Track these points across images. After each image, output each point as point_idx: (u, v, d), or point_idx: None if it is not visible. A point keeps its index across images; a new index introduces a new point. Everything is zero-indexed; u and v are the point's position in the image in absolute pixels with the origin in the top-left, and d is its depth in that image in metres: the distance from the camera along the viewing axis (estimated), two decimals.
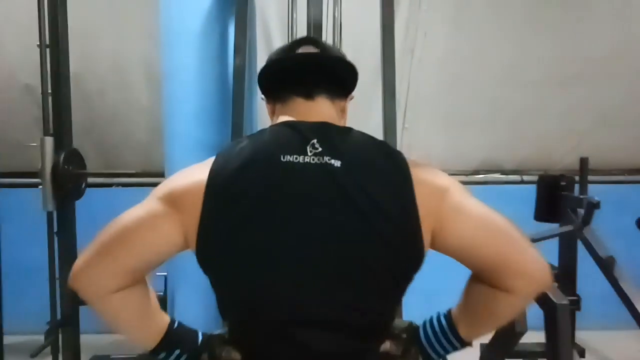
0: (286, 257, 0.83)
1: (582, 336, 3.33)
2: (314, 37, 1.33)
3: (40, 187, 2.19)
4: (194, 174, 0.87)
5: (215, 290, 0.90)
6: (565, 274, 2.42)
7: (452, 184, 0.89)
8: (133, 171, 2.35)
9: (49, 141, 2.16)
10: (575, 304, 2.41)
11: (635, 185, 3.89)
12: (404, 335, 0.94)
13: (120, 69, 3.55)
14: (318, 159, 0.84)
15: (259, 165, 0.85)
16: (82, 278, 0.84)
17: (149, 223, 0.85)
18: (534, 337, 1.96)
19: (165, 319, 0.96)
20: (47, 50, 2.17)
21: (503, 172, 4.01)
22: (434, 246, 0.87)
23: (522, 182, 3.87)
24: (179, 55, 2.33)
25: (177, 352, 0.94)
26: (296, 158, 0.85)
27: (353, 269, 0.84)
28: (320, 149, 0.85)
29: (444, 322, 0.95)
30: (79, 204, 2.43)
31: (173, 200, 0.85)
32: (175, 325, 0.96)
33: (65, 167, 2.18)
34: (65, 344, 2.31)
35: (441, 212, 0.85)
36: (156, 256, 0.87)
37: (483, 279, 0.87)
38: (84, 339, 2.48)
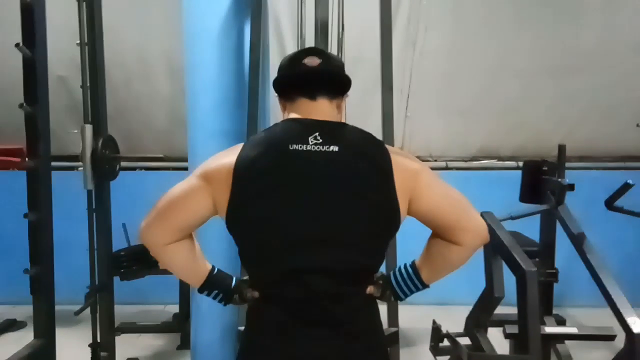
0: (292, 222, 1.11)
1: (570, 312, 3.61)
2: (317, 48, 1.61)
3: (79, 169, 2.49)
4: (223, 159, 1.16)
5: (238, 246, 1.19)
6: (545, 250, 2.70)
7: (423, 168, 1.18)
8: (160, 155, 2.63)
9: (89, 128, 2.46)
10: (553, 276, 2.68)
11: (626, 171, 4.07)
12: (381, 282, 1.25)
13: (144, 62, 3.82)
14: (318, 147, 1.12)
15: (272, 152, 1.13)
16: (146, 234, 1.16)
17: (189, 194, 1.15)
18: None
19: (208, 266, 1.26)
20: (86, 47, 2.46)
21: (500, 159, 4.22)
22: (410, 212, 1.16)
23: (517, 167, 4.04)
24: (201, 51, 2.56)
25: (216, 291, 1.26)
26: (300, 147, 1.12)
27: (345, 230, 1.12)
28: (320, 140, 1.13)
29: (410, 270, 1.25)
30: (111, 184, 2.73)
31: (206, 177, 1.15)
32: (215, 271, 1.27)
33: (103, 151, 2.48)
34: (101, 308, 2.63)
35: (416, 188, 1.15)
36: (195, 218, 1.16)
37: (441, 236, 1.18)
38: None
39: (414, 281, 1.25)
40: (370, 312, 1.22)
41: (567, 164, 2.62)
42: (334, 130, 1.16)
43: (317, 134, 1.13)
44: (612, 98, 3.91)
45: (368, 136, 1.19)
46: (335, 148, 1.12)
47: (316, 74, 1.20)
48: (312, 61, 1.19)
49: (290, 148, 1.12)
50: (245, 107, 2.50)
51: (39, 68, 1.96)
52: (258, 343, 1.17)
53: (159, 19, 3.63)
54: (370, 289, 1.22)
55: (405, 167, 1.15)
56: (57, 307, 2.03)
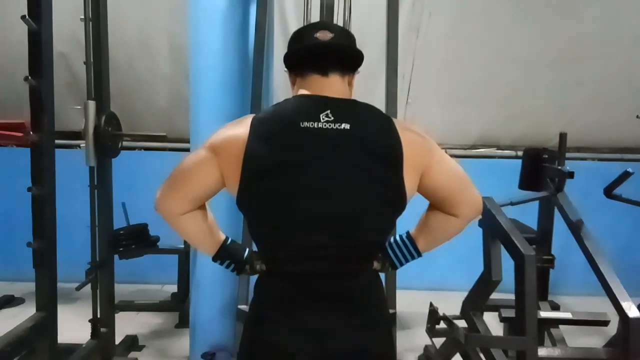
0: (302, 200, 1.11)
1: (565, 300, 3.66)
2: (329, 22, 1.59)
3: (81, 147, 2.49)
4: (232, 131, 1.15)
5: (248, 222, 1.20)
6: (542, 236, 2.73)
7: (433, 144, 1.19)
8: (163, 133, 2.63)
9: (92, 105, 2.45)
10: (550, 263, 2.72)
11: (623, 163, 4.10)
12: (379, 255, 1.27)
13: (146, 40, 3.80)
14: (330, 125, 1.12)
15: (283, 129, 1.12)
16: (160, 204, 1.17)
17: (198, 165, 1.16)
18: None
19: (222, 236, 1.28)
20: (90, 23, 2.44)
21: (499, 147, 4.24)
22: (420, 186, 1.17)
23: (516, 157, 4.09)
24: (205, 30, 2.54)
25: (228, 262, 1.29)
26: (312, 124, 1.10)
27: (355, 208, 1.12)
28: (332, 117, 1.12)
29: (406, 240, 1.29)
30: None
31: (215, 150, 1.15)
32: (229, 241, 1.29)
33: (105, 127, 2.47)
34: (101, 284, 2.65)
35: (428, 165, 1.16)
36: (205, 190, 1.17)
37: (440, 209, 1.22)
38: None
39: (410, 251, 1.29)
40: (376, 287, 1.24)
41: (565, 154, 2.64)
42: (345, 108, 1.16)
43: (328, 111, 1.13)
44: (613, 89, 3.93)
45: (378, 113, 1.20)
46: (346, 126, 1.11)
47: (328, 48, 1.18)
48: (324, 35, 1.18)
49: (302, 125, 1.11)
50: (249, 88, 2.50)
51: (44, 41, 1.95)
52: (265, 316, 1.18)
53: None
54: (375, 265, 1.25)
55: (416, 143, 1.15)
56: (58, 284, 2.05)
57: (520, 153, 4.04)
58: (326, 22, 1.69)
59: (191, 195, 1.17)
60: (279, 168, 1.11)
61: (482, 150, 4.22)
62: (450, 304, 2.54)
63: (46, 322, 2.02)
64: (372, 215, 1.14)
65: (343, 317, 1.15)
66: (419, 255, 1.30)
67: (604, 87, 3.93)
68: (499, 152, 4.21)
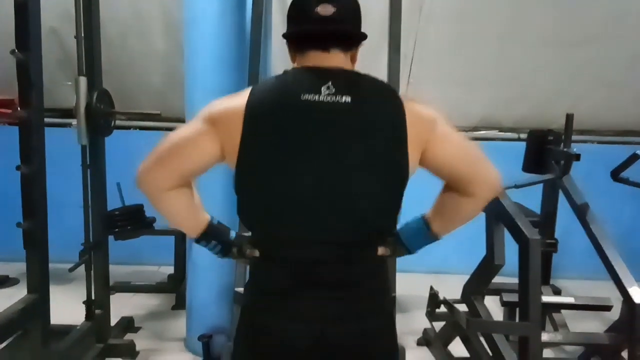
0: (302, 179, 1.05)
1: (565, 284, 3.64)
2: None
3: (73, 125, 2.40)
4: (230, 102, 1.08)
5: (243, 201, 1.13)
6: (546, 220, 2.68)
7: (439, 117, 1.11)
8: (157, 111, 2.54)
9: (83, 81, 2.36)
10: (553, 247, 2.68)
11: (629, 146, 4.04)
12: (388, 239, 1.20)
13: (139, 16, 3.68)
14: (331, 98, 1.05)
15: (284, 102, 1.06)
16: (144, 179, 1.09)
17: (194, 139, 1.08)
18: None
19: (207, 216, 1.20)
20: None
21: (501, 130, 4.17)
22: (423, 163, 1.11)
23: (518, 139, 4.03)
24: (200, 4, 2.46)
25: (214, 242, 1.21)
26: (313, 97, 1.05)
27: (355, 187, 1.06)
28: (333, 90, 1.06)
29: (421, 222, 1.22)
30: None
31: (213, 121, 1.07)
32: (215, 222, 1.22)
33: (97, 105, 2.39)
34: (96, 265, 2.60)
35: (431, 138, 1.09)
36: (200, 165, 1.10)
37: (454, 188, 1.14)
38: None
39: (424, 234, 1.21)
40: (380, 274, 1.18)
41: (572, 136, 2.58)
42: (347, 80, 1.10)
43: (330, 83, 1.06)
44: (618, 71, 3.84)
45: (382, 85, 1.13)
46: (347, 99, 1.05)
47: (330, 24, 1.10)
48: (325, 10, 1.10)
49: (302, 98, 1.05)
50: (246, 64, 2.41)
51: (31, 12, 1.86)
52: (263, 303, 1.13)
53: None
54: (381, 250, 1.18)
55: (419, 116, 1.09)
56: (51, 266, 2.00)
57: (522, 135, 4.02)
58: None
59: (182, 171, 1.09)
60: (278, 144, 1.05)
61: (484, 133, 4.15)
62: (450, 287, 2.51)
63: (37, 304, 1.97)
64: (372, 194, 1.08)
65: (344, 306, 1.10)
66: (435, 239, 1.22)
67: (609, 69, 3.84)
68: (501, 135, 4.14)
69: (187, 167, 1.10)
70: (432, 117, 1.11)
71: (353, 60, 1.18)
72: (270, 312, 1.12)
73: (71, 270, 2.39)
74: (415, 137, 1.07)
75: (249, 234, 1.20)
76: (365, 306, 1.12)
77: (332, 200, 1.06)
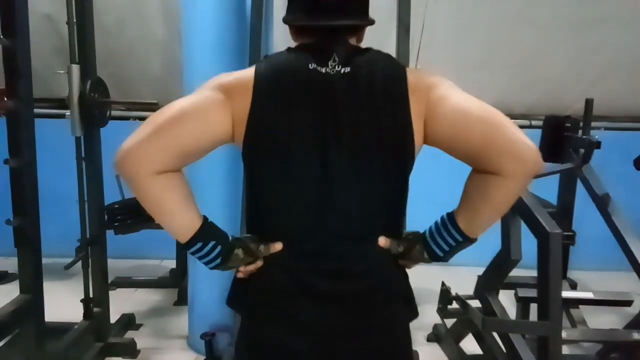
0: (308, 159, 0.96)
1: (578, 275, 3.52)
2: None
3: (67, 116, 2.29)
4: (240, 73, 0.99)
5: (251, 185, 1.02)
6: (563, 211, 2.56)
7: (439, 80, 0.99)
8: (155, 101, 2.43)
9: (76, 69, 2.25)
10: (570, 239, 2.56)
11: None
12: (410, 237, 1.05)
13: (137, 1, 3.56)
14: (336, 71, 0.97)
15: (292, 71, 0.98)
16: (132, 156, 0.88)
17: (204, 106, 0.94)
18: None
19: (200, 213, 0.99)
20: None
21: (512, 116, 4.01)
22: (428, 138, 0.98)
23: (530, 126, 3.89)
24: None
25: (213, 243, 0.98)
26: (320, 68, 0.98)
27: (360, 165, 0.96)
28: (337, 60, 0.98)
29: (445, 217, 1.01)
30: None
31: (225, 89, 0.96)
32: (209, 220, 1.01)
33: (91, 94, 2.27)
34: (93, 261, 2.50)
35: (429, 103, 0.96)
36: (207, 140, 0.95)
37: (475, 166, 0.92)
38: (108, 263, 2.64)
39: (450, 232, 0.98)
40: (399, 280, 1.07)
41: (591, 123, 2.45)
42: (353, 52, 1.01)
43: (335, 55, 0.99)
44: (635, 54, 3.69)
45: (387, 57, 1.04)
46: (346, 69, 0.98)
47: (334, 10, 1.01)
48: None
49: (310, 67, 0.98)
50: (247, 50, 2.31)
51: None
52: (266, 310, 1.02)
53: None
54: (384, 242, 1.02)
55: (418, 82, 0.98)
56: (48, 261, 1.92)
57: (534, 122, 3.89)
58: None
59: (182, 147, 0.91)
60: (287, 111, 0.96)
61: None
62: (460, 280, 2.40)
63: (31, 305, 1.88)
64: (376, 172, 0.98)
65: (352, 320, 1.00)
66: (464, 238, 0.98)
67: (626, 52, 3.69)
68: (513, 122, 4.00)
69: (190, 143, 0.92)
70: (431, 80, 0.99)
71: (359, 41, 1.09)
72: (273, 321, 1.01)
73: (67, 267, 2.30)
74: (415, 105, 0.97)
75: (249, 236, 1.07)
76: (379, 321, 1.02)
77: (331, 187, 0.97)
